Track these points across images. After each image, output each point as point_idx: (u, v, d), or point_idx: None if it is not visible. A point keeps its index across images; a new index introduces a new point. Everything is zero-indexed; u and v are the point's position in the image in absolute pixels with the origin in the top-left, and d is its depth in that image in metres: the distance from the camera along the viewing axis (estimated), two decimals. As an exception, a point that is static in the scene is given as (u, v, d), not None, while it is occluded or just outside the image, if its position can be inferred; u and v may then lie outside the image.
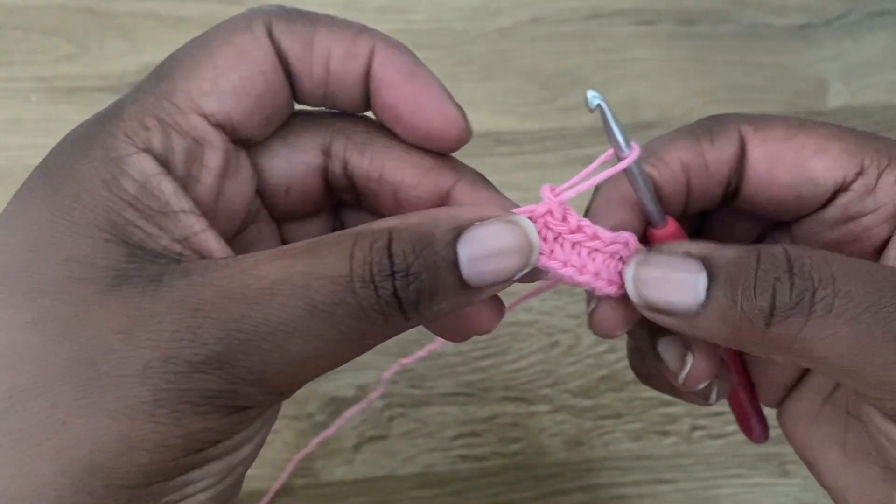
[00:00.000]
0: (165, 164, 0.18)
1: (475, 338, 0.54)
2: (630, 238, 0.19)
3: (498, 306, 0.21)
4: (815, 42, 0.64)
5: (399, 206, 0.20)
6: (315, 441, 0.51)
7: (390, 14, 0.61)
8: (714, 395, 0.22)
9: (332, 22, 0.21)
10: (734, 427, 0.53)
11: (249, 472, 0.51)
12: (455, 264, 0.17)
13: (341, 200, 0.22)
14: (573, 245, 0.19)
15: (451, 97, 0.20)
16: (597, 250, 0.19)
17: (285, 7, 0.20)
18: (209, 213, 0.19)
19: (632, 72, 0.61)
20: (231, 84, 0.18)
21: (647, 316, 0.18)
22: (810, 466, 0.23)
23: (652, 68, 0.61)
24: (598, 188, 0.21)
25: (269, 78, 0.19)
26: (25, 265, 0.16)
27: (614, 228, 0.20)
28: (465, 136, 0.21)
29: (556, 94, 0.60)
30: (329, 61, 0.20)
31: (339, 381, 0.53)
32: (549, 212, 0.20)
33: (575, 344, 0.54)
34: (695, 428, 0.53)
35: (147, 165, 0.18)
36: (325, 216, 0.22)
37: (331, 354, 0.18)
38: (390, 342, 0.57)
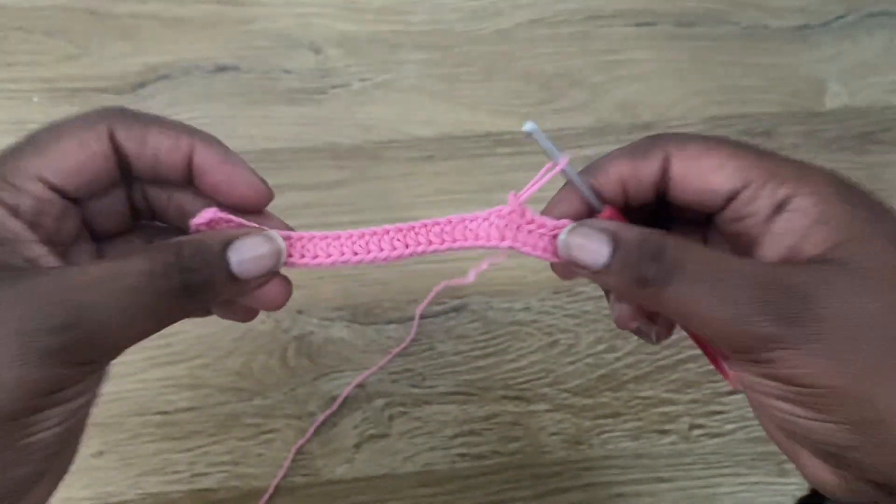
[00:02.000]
0: (14, 211, 0.25)
1: (475, 337, 0.55)
2: (567, 224, 0.28)
3: (285, 284, 0.28)
4: (813, 43, 0.64)
5: (182, 217, 0.29)
6: (311, 429, 0.51)
7: (390, 15, 0.61)
8: (653, 336, 0.30)
9: (161, 123, 0.27)
10: (733, 426, 0.54)
11: (250, 470, 0.51)
12: (226, 264, 0.25)
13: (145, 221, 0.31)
14: (529, 231, 0.28)
15: (254, 172, 0.29)
16: (545, 234, 0.29)
17: (127, 111, 0.27)
18: (48, 240, 0.26)
19: (630, 73, 0.61)
20: (69, 165, 0.26)
21: (573, 269, 0.28)
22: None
23: (651, 69, 0.61)
24: (559, 191, 0.30)
25: (100, 163, 0.26)
26: None
27: (560, 217, 0.29)
28: (269, 199, 0.29)
29: (556, 95, 0.60)
30: (158, 153, 0.27)
31: (339, 381, 0.53)
32: (513, 211, 0.28)
33: (574, 343, 0.54)
34: (693, 427, 0.53)
35: (2, 213, 0.25)
36: (133, 235, 0.31)
37: (142, 324, 0.25)
38: (390, 342, 0.58)
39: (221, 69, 0.58)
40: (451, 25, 0.61)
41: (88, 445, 0.50)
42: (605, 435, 0.53)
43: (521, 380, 0.54)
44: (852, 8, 0.65)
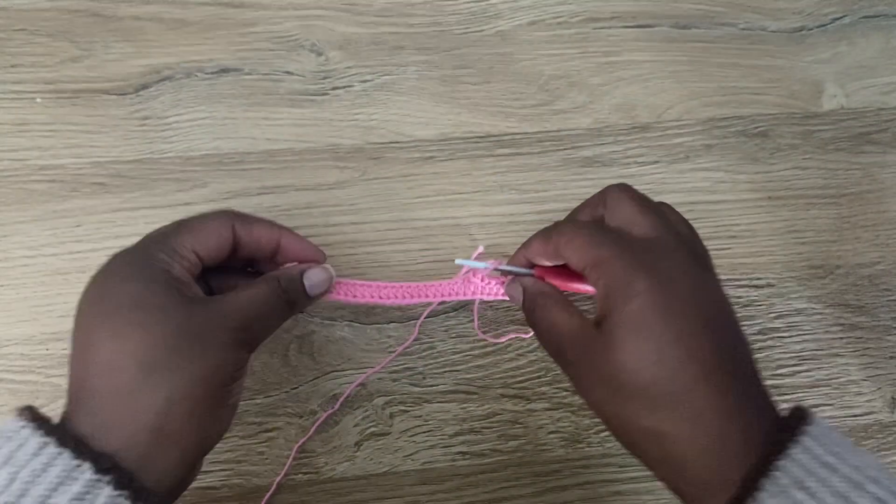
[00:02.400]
0: (183, 267, 0.39)
1: (474, 336, 0.55)
2: (504, 280, 0.48)
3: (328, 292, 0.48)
4: (810, 45, 0.64)
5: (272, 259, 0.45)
6: (312, 428, 0.52)
7: (391, 17, 0.61)
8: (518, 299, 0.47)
9: (261, 221, 0.43)
10: (730, 424, 0.54)
11: (252, 468, 0.51)
12: (303, 287, 0.44)
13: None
14: (488, 282, 0.50)
15: (316, 247, 0.46)
16: (497, 282, 0.49)
17: (238, 213, 0.43)
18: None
19: (628, 74, 0.62)
20: (211, 246, 0.40)
21: (510, 297, 0.47)
22: None
23: (648, 71, 0.62)
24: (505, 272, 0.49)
25: (224, 244, 0.41)
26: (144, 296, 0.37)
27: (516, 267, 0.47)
28: (323, 258, 0.46)
29: (555, 97, 0.60)
30: (260, 239, 0.43)
31: (340, 380, 0.53)
32: (481, 276, 0.50)
33: (573, 342, 0.55)
34: (691, 425, 0.53)
35: (179, 266, 0.39)
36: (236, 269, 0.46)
37: (274, 323, 0.42)
38: (391, 341, 0.58)
39: (223, 71, 0.59)
40: (452, 27, 0.62)
41: (92, 443, 0.50)
42: (604, 433, 0.53)
43: (520, 378, 0.54)
44: (849, 10, 0.66)
